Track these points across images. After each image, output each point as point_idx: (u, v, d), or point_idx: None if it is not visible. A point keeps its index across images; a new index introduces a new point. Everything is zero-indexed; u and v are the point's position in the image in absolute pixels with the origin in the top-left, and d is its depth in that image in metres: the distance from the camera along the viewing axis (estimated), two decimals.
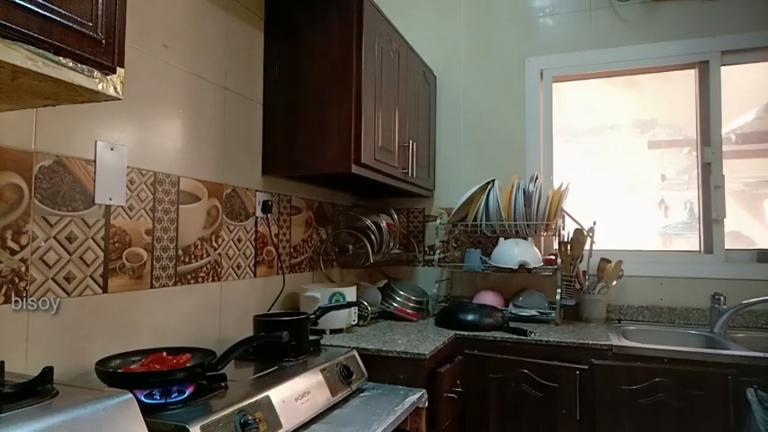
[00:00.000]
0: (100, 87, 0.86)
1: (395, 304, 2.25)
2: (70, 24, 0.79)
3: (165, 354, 1.18)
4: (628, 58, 2.40)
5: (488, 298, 2.32)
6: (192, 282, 1.56)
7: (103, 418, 0.75)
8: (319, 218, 2.31)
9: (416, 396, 1.46)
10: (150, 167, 1.43)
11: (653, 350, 1.73)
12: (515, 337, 1.89)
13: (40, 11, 0.74)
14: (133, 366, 1.14)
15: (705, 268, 2.23)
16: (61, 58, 0.78)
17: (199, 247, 1.61)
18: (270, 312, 1.84)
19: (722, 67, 2.29)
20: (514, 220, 2.25)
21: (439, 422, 1.63)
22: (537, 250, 2.30)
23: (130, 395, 0.82)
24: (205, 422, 0.96)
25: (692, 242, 2.37)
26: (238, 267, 1.77)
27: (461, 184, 2.53)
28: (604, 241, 2.36)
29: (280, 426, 1.10)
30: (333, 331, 1.90)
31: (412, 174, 2.26)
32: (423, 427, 1.51)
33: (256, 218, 1.88)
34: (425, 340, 1.78)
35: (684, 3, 2.33)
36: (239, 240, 1.79)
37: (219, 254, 1.69)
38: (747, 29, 2.24)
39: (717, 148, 2.28)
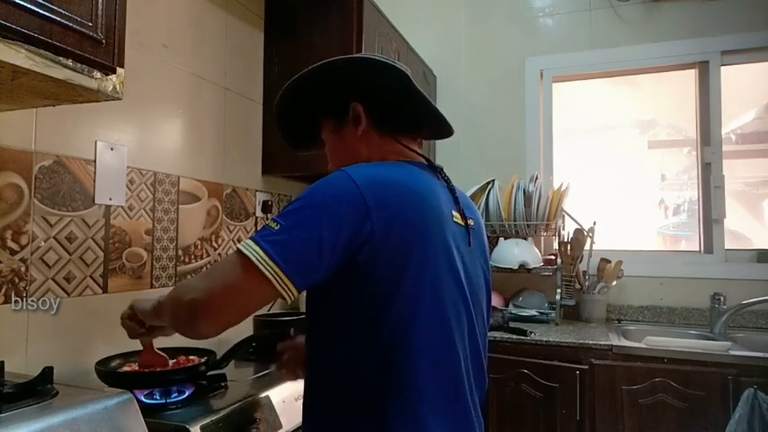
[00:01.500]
0: (100, 87, 0.86)
1: None
2: (70, 24, 0.79)
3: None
4: (628, 58, 2.40)
5: None
6: None
7: (103, 418, 0.75)
8: None
9: None
10: (150, 167, 1.43)
11: (653, 350, 1.73)
12: (515, 337, 1.89)
13: (40, 11, 0.74)
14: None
15: (705, 268, 2.23)
16: (61, 58, 0.78)
17: (199, 247, 1.61)
18: (270, 312, 1.84)
19: (722, 67, 2.29)
20: (514, 220, 2.25)
21: None
22: (537, 250, 2.30)
23: (130, 395, 0.82)
24: (205, 422, 0.96)
25: (692, 242, 2.37)
26: None
27: (461, 184, 2.48)
28: (604, 241, 2.36)
29: (280, 426, 1.10)
30: None
31: None
32: None
33: (256, 218, 1.88)
34: None
35: (684, 3, 2.32)
36: (239, 240, 1.79)
37: (219, 254, 1.69)
38: (747, 29, 2.24)
39: (717, 148, 2.28)
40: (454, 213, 0.82)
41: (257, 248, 0.67)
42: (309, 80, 0.89)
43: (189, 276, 1.56)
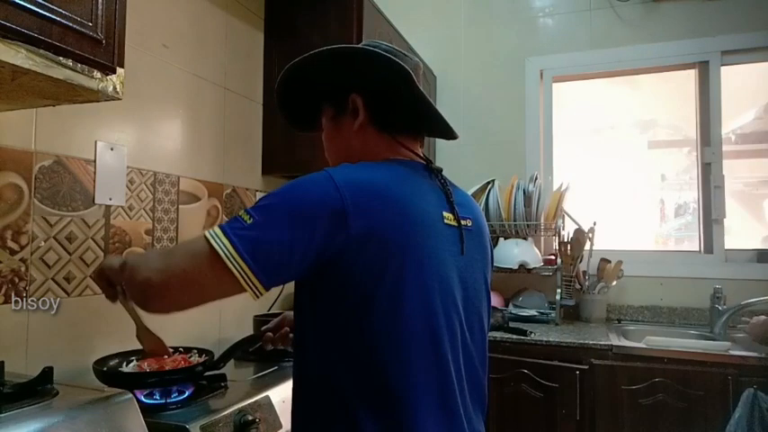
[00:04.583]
0: (100, 87, 0.86)
1: None
2: (70, 24, 0.79)
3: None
4: (628, 58, 2.40)
5: None
6: None
7: (103, 418, 0.75)
8: None
9: None
10: (150, 167, 1.43)
11: (653, 350, 1.73)
12: (515, 337, 1.89)
13: (40, 11, 0.74)
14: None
15: (705, 268, 2.23)
16: (61, 58, 0.78)
17: None
18: (270, 312, 1.83)
19: (722, 67, 2.29)
20: (514, 221, 2.25)
21: None
22: (537, 250, 2.30)
23: (130, 395, 0.82)
24: (205, 422, 0.96)
25: (692, 242, 2.37)
26: None
27: (461, 184, 2.46)
28: (604, 241, 2.36)
29: (280, 426, 1.10)
30: None
31: None
32: None
33: None
34: None
35: (684, 3, 2.32)
36: None
37: None
38: (747, 29, 2.24)
39: (717, 148, 2.28)
40: (445, 214, 0.78)
41: (226, 241, 0.63)
42: (312, 64, 0.85)
43: None
